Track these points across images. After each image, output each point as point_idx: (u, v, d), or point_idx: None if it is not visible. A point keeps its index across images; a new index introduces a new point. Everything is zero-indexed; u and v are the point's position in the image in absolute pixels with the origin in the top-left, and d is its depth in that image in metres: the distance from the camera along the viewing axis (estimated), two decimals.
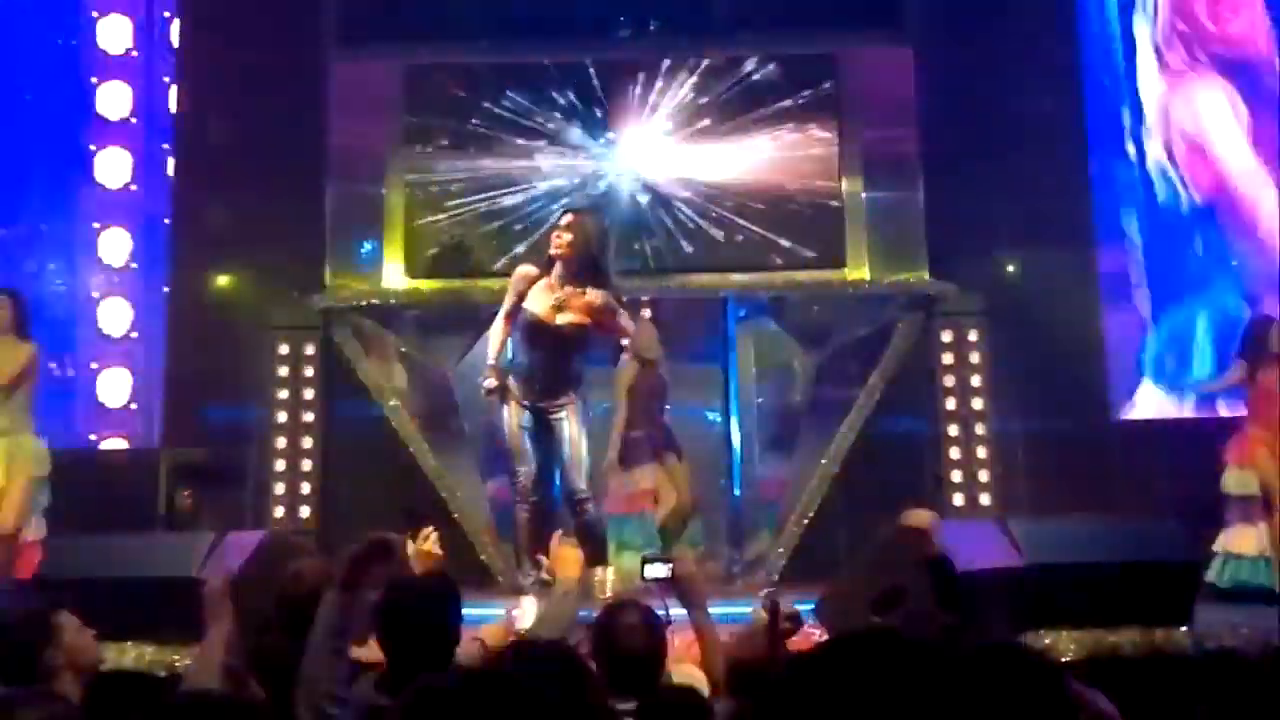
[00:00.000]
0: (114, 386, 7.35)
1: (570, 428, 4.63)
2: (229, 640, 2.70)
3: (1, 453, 5.14)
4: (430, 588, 2.61)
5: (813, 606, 4.39)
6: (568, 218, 4.70)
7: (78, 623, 2.70)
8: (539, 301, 4.56)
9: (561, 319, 4.55)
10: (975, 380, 6.62)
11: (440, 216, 6.86)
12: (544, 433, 4.68)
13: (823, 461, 6.49)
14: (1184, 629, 4.15)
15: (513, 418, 4.64)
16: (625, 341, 4.90)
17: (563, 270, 4.57)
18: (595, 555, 4.81)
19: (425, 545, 3.21)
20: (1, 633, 2.65)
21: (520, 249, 6.58)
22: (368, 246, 6.90)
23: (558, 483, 5.56)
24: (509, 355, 4.80)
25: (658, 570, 2.99)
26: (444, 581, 2.68)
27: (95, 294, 7.44)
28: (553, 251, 4.60)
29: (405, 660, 2.44)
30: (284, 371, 6.74)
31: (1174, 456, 6.43)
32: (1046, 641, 3.92)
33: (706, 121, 6.84)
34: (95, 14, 7.74)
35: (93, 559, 4.36)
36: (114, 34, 7.71)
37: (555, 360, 4.60)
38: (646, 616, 2.65)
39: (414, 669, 2.37)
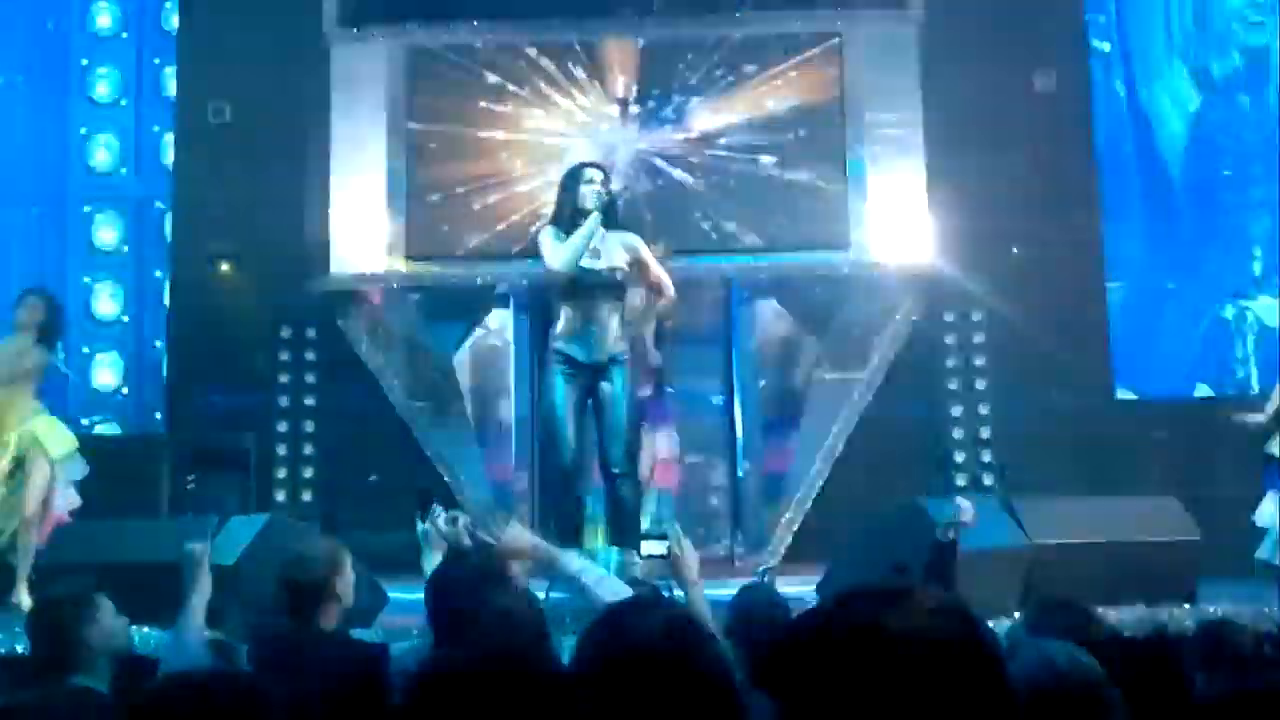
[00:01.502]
0: (106, 370, 7.34)
1: (619, 388, 4.62)
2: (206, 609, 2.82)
3: (13, 443, 5.11)
4: (480, 565, 2.61)
5: (815, 586, 4.40)
6: (598, 172, 4.77)
7: (113, 606, 2.75)
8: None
9: (603, 262, 4.60)
10: (978, 360, 6.61)
11: (442, 199, 6.82)
12: (588, 412, 4.66)
13: (825, 443, 6.48)
14: (1187, 607, 4.16)
15: (561, 395, 4.62)
16: (661, 290, 4.84)
17: (593, 222, 4.59)
18: (621, 533, 4.73)
19: (437, 526, 3.20)
20: (46, 607, 2.68)
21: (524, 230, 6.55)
22: (370, 229, 6.87)
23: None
24: (555, 329, 4.76)
25: (654, 547, 2.99)
26: (490, 560, 2.69)
27: (87, 278, 7.42)
28: (590, 204, 4.62)
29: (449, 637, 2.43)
30: (286, 355, 6.73)
31: (1177, 434, 6.42)
32: None
33: (710, 101, 6.79)
34: None
35: (97, 544, 4.39)
36: (104, 16, 7.65)
37: (603, 308, 4.63)
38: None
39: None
